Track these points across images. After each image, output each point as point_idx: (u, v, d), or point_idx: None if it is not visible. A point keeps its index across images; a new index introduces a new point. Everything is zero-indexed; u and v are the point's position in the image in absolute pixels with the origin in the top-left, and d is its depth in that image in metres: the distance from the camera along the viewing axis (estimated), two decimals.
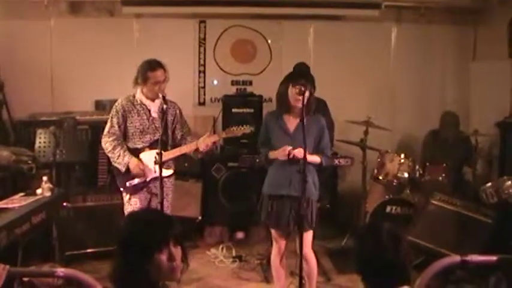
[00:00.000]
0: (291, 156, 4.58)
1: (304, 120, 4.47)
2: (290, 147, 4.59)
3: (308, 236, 4.80)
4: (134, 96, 5.16)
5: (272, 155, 4.78)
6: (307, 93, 4.57)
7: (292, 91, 4.63)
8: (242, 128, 5.14)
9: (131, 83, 5.16)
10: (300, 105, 4.57)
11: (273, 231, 4.91)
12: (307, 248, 4.82)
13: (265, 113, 6.85)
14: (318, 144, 4.79)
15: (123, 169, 5.06)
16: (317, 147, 4.78)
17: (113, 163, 5.16)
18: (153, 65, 5.02)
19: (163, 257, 2.40)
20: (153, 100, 5.12)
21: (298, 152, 4.55)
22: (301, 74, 4.85)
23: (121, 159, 5.04)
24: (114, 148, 5.08)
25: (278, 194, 4.74)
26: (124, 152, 5.07)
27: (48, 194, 5.21)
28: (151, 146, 5.09)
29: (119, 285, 2.42)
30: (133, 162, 5.04)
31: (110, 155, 5.14)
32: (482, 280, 4.93)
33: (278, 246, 4.92)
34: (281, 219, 4.74)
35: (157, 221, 2.51)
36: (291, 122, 4.77)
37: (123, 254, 2.40)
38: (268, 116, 4.98)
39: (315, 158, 4.72)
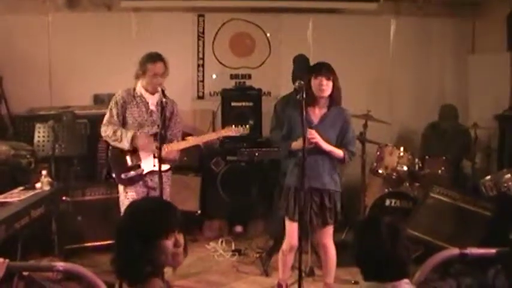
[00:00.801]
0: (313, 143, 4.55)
1: (327, 112, 4.74)
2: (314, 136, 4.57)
3: (330, 229, 4.84)
4: (134, 89, 5.18)
5: (295, 145, 4.68)
6: (330, 84, 4.63)
7: (315, 82, 4.63)
8: (240, 129, 5.23)
9: (130, 77, 5.18)
10: (325, 95, 4.63)
11: (290, 224, 4.81)
12: (328, 239, 4.86)
13: (269, 107, 6.87)
14: (342, 139, 4.75)
15: (127, 145, 5.03)
16: (340, 142, 4.74)
17: (117, 145, 5.12)
18: (153, 58, 5.04)
19: (169, 243, 2.43)
20: (152, 93, 5.14)
21: (318, 140, 4.57)
22: (321, 65, 4.82)
23: (124, 137, 5.03)
24: (115, 132, 5.07)
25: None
26: (126, 131, 5.06)
27: (47, 188, 5.22)
28: None
29: (123, 273, 2.43)
30: (136, 135, 5.06)
31: (112, 139, 5.11)
32: (481, 273, 4.93)
33: (292, 242, 4.82)
34: (306, 212, 4.65)
35: (163, 208, 2.54)
36: (315, 114, 4.72)
37: (128, 242, 2.39)
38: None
39: (338, 151, 4.70)
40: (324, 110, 4.72)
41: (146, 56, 5.08)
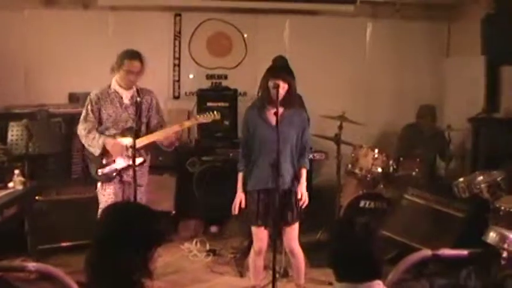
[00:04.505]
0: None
1: (284, 112, 4.67)
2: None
3: (294, 229, 4.82)
4: (109, 87, 5.17)
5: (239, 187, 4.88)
6: (285, 86, 4.62)
7: (271, 85, 4.64)
8: (211, 115, 5.28)
9: (106, 76, 5.17)
10: (280, 97, 4.58)
11: (255, 229, 4.81)
12: (293, 242, 4.85)
13: (245, 107, 6.85)
14: (300, 139, 4.79)
15: (98, 151, 5.04)
16: (299, 142, 4.78)
17: (87, 147, 5.14)
18: (132, 55, 5.05)
19: (156, 253, 2.40)
20: (126, 89, 5.14)
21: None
22: (279, 68, 4.85)
23: (95, 142, 5.04)
24: (89, 132, 5.08)
25: (265, 188, 4.68)
26: (99, 135, 5.07)
27: (20, 187, 5.18)
28: (123, 134, 5.09)
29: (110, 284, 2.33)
30: (109, 141, 5.05)
31: (84, 139, 5.12)
32: (454, 273, 4.98)
33: (260, 245, 4.83)
34: (270, 214, 4.67)
35: (158, 215, 2.49)
36: (272, 115, 4.65)
37: (124, 250, 2.31)
38: (249, 112, 4.95)
39: (304, 176, 4.82)
40: (281, 111, 4.69)
41: (125, 51, 5.09)
